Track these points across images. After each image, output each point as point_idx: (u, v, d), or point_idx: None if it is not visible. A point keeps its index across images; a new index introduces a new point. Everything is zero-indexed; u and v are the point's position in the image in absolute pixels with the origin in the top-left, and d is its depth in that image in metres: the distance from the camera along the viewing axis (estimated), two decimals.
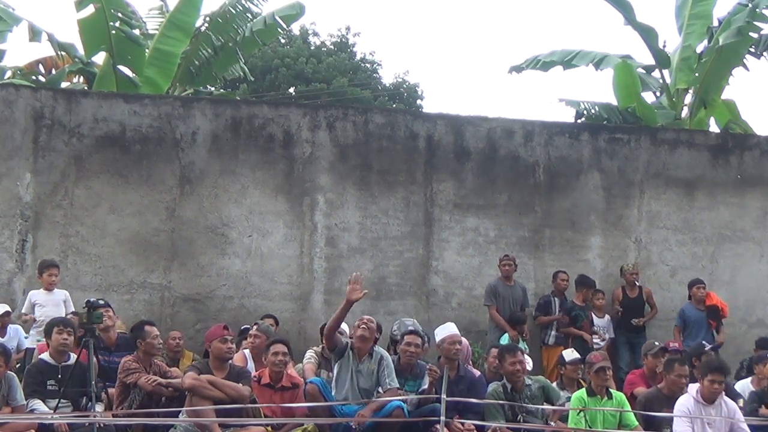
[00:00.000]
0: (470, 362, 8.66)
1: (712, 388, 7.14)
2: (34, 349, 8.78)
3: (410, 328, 8.20)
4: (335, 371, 7.58)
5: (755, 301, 11.62)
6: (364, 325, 7.55)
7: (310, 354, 8.61)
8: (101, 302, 7.61)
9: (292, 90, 27.62)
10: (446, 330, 8.01)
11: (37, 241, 10.32)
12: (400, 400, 7.23)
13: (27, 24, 12.91)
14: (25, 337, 9.42)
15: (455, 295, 11.10)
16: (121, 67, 13.60)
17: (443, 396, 6.95)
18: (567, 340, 10.68)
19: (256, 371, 7.90)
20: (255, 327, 8.53)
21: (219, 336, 7.38)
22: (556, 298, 10.89)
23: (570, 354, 8.74)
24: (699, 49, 14.50)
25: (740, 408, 7.66)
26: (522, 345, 9.82)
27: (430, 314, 10.85)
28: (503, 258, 10.70)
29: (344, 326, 8.70)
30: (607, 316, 10.96)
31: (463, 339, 8.25)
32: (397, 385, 7.42)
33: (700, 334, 10.51)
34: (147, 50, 13.75)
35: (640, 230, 11.56)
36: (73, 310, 9.15)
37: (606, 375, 7.72)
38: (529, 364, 8.90)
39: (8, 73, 15.92)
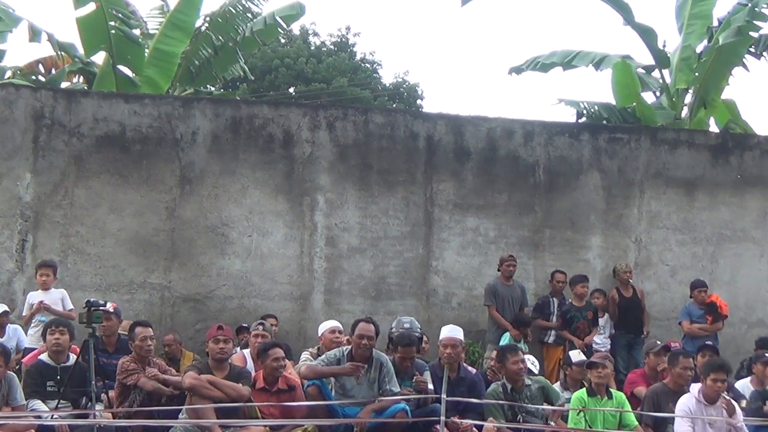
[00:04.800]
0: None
1: (715, 387, 7.16)
2: (32, 349, 8.77)
3: (406, 326, 8.00)
4: (332, 381, 7.52)
5: (755, 301, 11.62)
6: (364, 344, 7.45)
7: (305, 356, 8.58)
8: (101, 303, 7.57)
9: (292, 90, 27.62)
10: (445, 332, 8.01)
11: (37, 241, 10.32)
12: (401, 400, 7.21)
13: (27, 24, 12.90)
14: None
15: (455, 295, 11.10)
16: (121, 67, 13.60)
17: (443, 396, 6.96)
18: (565, 340, 10.68)
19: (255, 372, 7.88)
20: (261, 327, 8.51)
21: (212, 336, 7.40)
22: (554, 299, 10.88)
23: (577, 355, 8.74)
24: (699, 49, 14.49)
25: (742, 408, 7.66)
26: (523, 347, 9.79)
27: (430, 314, 10.85)
28: (508, 258, 10.67)
29: (340, 326, 8.67)
30: (606, 316, 10.96)
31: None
32: (398, 389, 7.38)
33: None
34: (147, 50, 13.75)
35: (640, 230, 11.56)
36: (72, 308, 9.13)
37: (599, 371, 7.74)
38: (535, 366, 8.89)
39: (8, 73, 15.91)
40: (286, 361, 7.71)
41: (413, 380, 7.50)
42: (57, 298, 9.21)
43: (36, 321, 9.00)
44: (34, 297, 9.22)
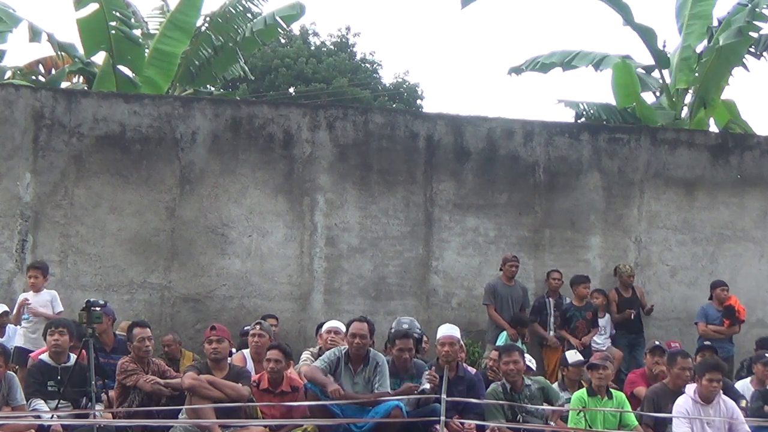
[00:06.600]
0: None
1: (710, 387, 7.14)
2: (22, 348, 8.76)
3: (404, 326, 8.04)
4: (331, 380, 7.51)
5: (755, 301, 11.61)
6: (357, 343, 7.47)
7: (306, 356, 8.58)
8: (100, 303, 7.59)
9: (292, 90, 27.62)
10: (442, 330, 8.01)
11: (37, 241, 10.32)
12: (398, 399, 7.21)
13: (27, 24, 12.92)
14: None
15: (455, 295, 11.10)
16: (121, 67, 13.61)
17: (443, 396, 6.95)
18: (564, 340, 10.66)
19: (256, 373, 7.88)
20: (258, 327, 8.50)
21: (206, 338, 7.42)
22: (550, 299, 10.86)
23: (573, 356, 8.75)
24: (699, 49, 14.49)
25: (742, 408, 7.66)
26: (522, 347, 9.78)
27: (430, 314, 10.85)
28: (511, 258, 10.66)
29: (341, 326, 8.67)
30: (607, 316, 10.95)
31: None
32: (388, 389, 7.37)
33: None
34: (147, 50, 13.75)
35: (640, 230, 11.56)
36: (61, 310, 9.11)
37: (599, 373, 7.74)
38: (532, 363, 8.90)
39: (8, 73, 15.91)
40: (285, 362, 7.65)
41: (426, 374, 7.48)
42: (46, 300, 9.16)
43: (23, 320, 9.00)
44: (23, 297, 9.21)
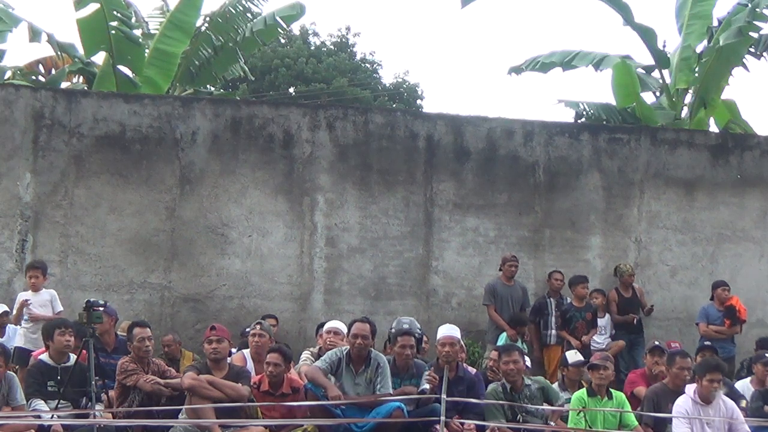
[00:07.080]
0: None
1: (711, 387, 7.14)
2: (22, 348, 8.76)
3: (405, 326, 8.04)
4: (332, 380, 7.51)
5: (755, 301, 11.61)
6: (359, 343, 7.47)
7: (306, 355, 8.58)
8: (100, 303, 7.59)
9: (292, 90, 27.62)
10: (442, 331, 8.00)
11: (37, 241, 10.32)
12: (399, 400, 7.20)
13: (27, 24, 12.92)
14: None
15: (455, 295, 11.10)
16: (121, 67, 13.62)
17: (443, 396, 6.95)
18: (564, 340, 10.66)
19: (256, 374, 7.87)
20: (258, 327, 8.50)
21: (206, 338, 7.42)
22: (551, 299, 10.85)
23: (573, 356, 8.75)
24: (699, 49, 14.50)
25: (743, 408, 7.66)
26: (523, 347, 9.78)
27: (430, 314, 10.85)
28: (511, 258, 10.67)
29: (341, 326, 8.67)
30: (607, 316, 10.95)
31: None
32: (390, 391, 7.36)
33: None
34: (147, 50, 13.76)
35: (640, 230, 11.56)
36: (61, 309, 9.12)
37: (600, 373, 7.74)
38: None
39: (8, 73, 15.92)
40: (284, 365, 7.62)
41: (426, 374, 7.48)
42: (46, 299, 9.15)
43: (23, 320, 9.00)
44: (23, 297, 9.20)
